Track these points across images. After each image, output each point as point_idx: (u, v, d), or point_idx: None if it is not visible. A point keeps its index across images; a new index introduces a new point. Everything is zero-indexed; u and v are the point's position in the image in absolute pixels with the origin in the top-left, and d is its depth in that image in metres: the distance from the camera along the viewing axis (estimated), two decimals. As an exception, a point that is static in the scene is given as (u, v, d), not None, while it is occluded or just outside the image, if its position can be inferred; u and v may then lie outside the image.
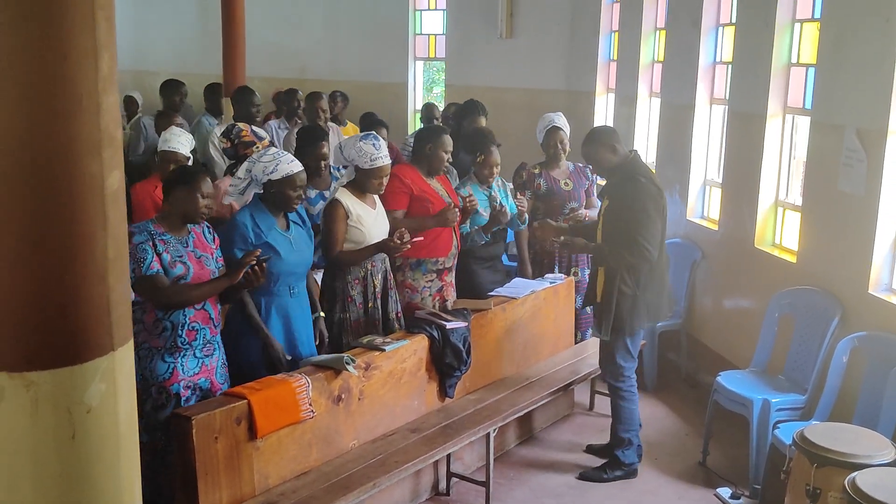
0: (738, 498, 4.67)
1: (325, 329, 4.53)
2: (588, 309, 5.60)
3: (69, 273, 1.39)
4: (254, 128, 5.41)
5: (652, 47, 7.72)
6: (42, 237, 1.37)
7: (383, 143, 4.70)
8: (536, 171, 5.91)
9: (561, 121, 5.97)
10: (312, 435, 4.02)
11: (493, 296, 5.33)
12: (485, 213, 5.46)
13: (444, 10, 10.82)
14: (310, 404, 3.95)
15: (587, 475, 4.96)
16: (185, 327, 3.77)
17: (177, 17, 11.90)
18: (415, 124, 10.78)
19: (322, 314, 4.53)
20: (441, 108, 8.08)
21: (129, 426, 1.51)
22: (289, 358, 4.21)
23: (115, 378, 1.46)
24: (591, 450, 5.26)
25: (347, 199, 4.56)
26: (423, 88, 11.71)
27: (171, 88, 7.96)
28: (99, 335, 1.44)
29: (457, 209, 4.92)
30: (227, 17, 8.64)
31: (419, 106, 11.23)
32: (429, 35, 11.17)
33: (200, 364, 3.87)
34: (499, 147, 5.66)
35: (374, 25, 11.13)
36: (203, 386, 3.90)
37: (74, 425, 1.42)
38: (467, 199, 5.03)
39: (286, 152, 4.30)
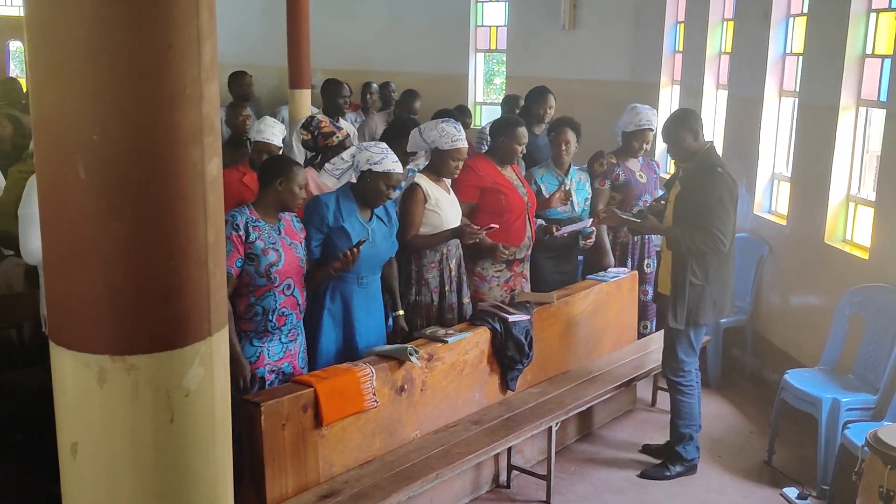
0: (805, 498, 4.58)
1: (405, 325, 4.55)
2: (652, 302, 5.53)
3: (172, 259, 1.42)
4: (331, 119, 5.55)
5: (719, 39, 7.58)
6: (147, 224, 1.41)
7: (461, 127, 4.77)
8: (613, 160, 5.83)
9: (656, 121, 5.88)
10: (376, 424, 4.05)
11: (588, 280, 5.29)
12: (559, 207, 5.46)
13: (506, 1, 10.78)
14: (374, 394, 3.99)
15: (649, 473, 4.90)
16: (276, 313, 3.87)
17: (242, 9, 12.05)
18: (475, 118, 10.77)
19: (402, 312, 4.54)
20: (521, 100, 8.06)
21: (224, 410, 1.54)
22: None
23: (212, 362, 1.49)
24: (647, 450, 5.18)
25: (426, 184, 4.62)
26: (483, 80, 11.68)
27: (238, 80, 8.12)
28: (198, 320, 1.47)
29: (478, 229, 4.67)
30: (293, 9, 8.72)
31: (479, 98, 11.20)
32: (490, 27, 11.13)
33: (284, 349, 3.97)
34: (576, 129, 5.64)
35: (436, 17, 11.13)
36: (286, 370, 3.99)
37: (173, 409, 1.45)
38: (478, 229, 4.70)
39: (391, 152, 4.34)
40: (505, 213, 5.07)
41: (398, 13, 11.47)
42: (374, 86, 8.87)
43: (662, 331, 5.04)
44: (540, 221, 5.40)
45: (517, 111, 7.70)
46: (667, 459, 4.91)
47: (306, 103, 7.87)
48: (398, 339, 4.49)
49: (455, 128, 4.67)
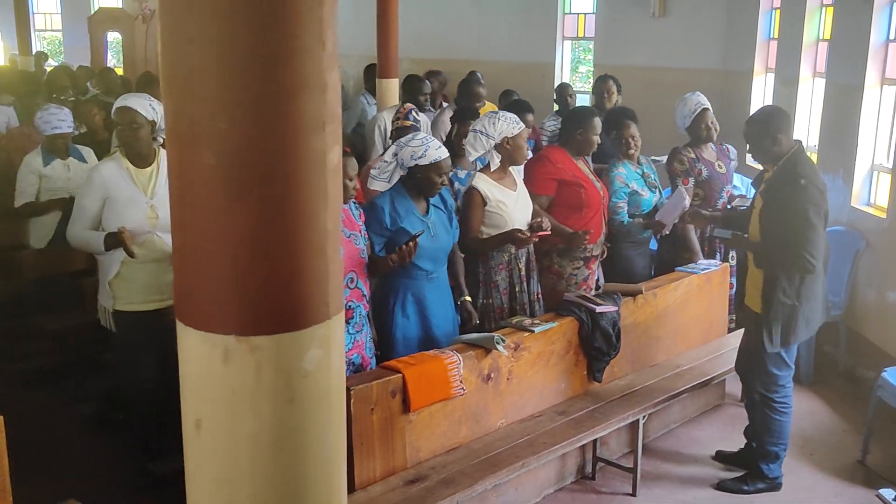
0: (904, 501, 4.43)
1: (473, 311, 4.54)
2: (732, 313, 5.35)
3: (294, 245, 1.46)
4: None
5: (817, 24, 7.34)
6: (271, 210, 1.44)
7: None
8: (692, 154, 5.69)
9: (706, 100, 5.73)
10: (462, 412, 4.08)
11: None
12: (644, 193, 5.39)
13: (595, -11, 10.66)
14: (461, 381, 4.01)
15: (726, 486, 4.67)
16: (344, 307, 3.89)
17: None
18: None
19: (468, 298, 4.54)
20: (572, 88, 8.01)
21: (339, 392, 1.57)
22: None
23: (330, 345, 1.53)
24: (720, 456, 4.96)
25: (485, 185, 4.57)
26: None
27: None
28: (317, 304, 1.50)
29: (529, 235, 4.55)
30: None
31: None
32: (578, 14, 11.02)
33: (353, 340, 4.00)
34: (636, 119, 5.54)
35: (523, 5, 11.08)
36: (355, 361, 4.03)
37: (292, 389, 1.49)
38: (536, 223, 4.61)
39: (433, 138, 4.34)
40: (584, 207, 5.01)
41: (485, 1, 11.45)
42: (442, 75, 8.87)
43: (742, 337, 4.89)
44: (637, 219, 5.34)
45: (569, 98, 7.64)
46: (748, 475, 4.68)
47: (394, 92, 7.92)
48: (468, 325, 4.50)
49: (511, 115, 4.67)
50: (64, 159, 5.71)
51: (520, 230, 4.48)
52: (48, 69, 11.38)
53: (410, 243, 3.92)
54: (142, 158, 4.27)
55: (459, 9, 11.55)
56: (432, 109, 7.49)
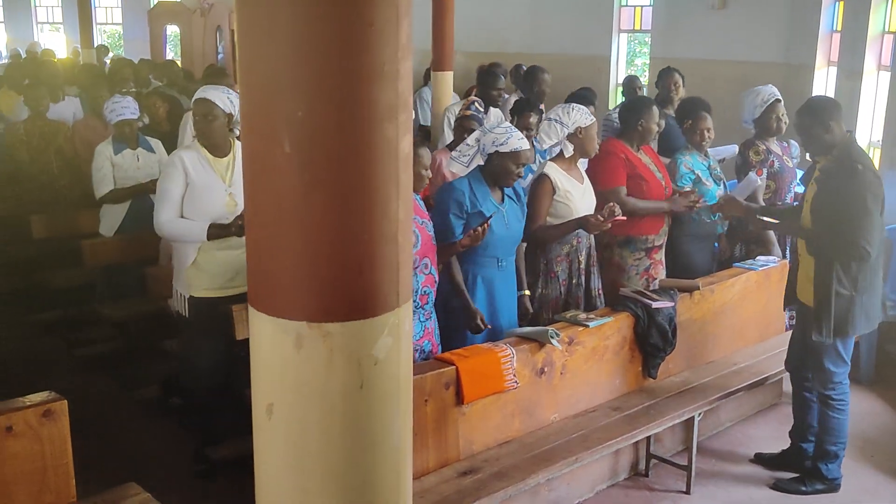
0: (969, 506, 4.31)
1: (530, 306, 4.55)
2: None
3: (367, 233, 1.47)
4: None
5: (883, 16, 7.16)
6: (345, 198, 1.46)
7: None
8: (764, 147, 5.61)
9: (778, 92, 5.64)
10: (515, 405, 4.08)
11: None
12: (708, 183, 5.32)
13: (653, -19, 10.53)
14: (514, 375, 4.00)
15: (783, 486, 4.58)
16: (419, 292, 3.93)
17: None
18: (615, 100, 10.59)
19: (527, 292, 4.55)
20: (639, 81, 7.93)
21: (407, 380, 1.59)
22: (489, 327, 4.23)
23: (399, 333, 1.54)
24: (759, 459, 4.85)
25: (556, 174, 4.57)
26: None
27: None
28: (389, 292, 1.52)
29: (604, 220, 4.49)
30: (438, -8, 8.78)
31: (622, 79, 11.00)
32: (634, 7, 10.89)
33: (423, 327, 4.03)
34: (711, 112, 5.47)
35: (578, -2, 10.99)
36: (426, 349, 4.05)
37: (363, 376, 1.51)
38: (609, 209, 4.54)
39: (516, 129, 4.35)
40: (646, 198, 4.98)
41: (540, -6, 11.39)
42: (501, 67, 8.86)
43: (791, 332, 4.79)
44: (704, 201, 5.27)
45: (637, 90, 7.58)
46: (806, 475, 4.59)
47: (448, 85, 7.93)
48: (524, 320, 4.50)
49: (583, 106, 4.70)
50: (133, 149, 5.83)
51: (594, 215, 4.48)
52: (108, 62, 11.62)
53: (483, 226, 3.94)
54: (218, 148, 4.32)
55: (513, 2, 11.50)
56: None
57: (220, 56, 14.33)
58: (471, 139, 4.31)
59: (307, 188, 1.43)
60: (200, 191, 4.24)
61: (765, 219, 4.72)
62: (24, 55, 12.75)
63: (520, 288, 4.54)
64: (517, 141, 4.18)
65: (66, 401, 3.30)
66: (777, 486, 4.61)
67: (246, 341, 4.25)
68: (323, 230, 1.45)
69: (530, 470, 3.85)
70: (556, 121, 4.61)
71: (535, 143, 5.41)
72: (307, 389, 1.50)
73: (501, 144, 4.16)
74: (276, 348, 1.53)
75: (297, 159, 1.42)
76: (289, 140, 1.41)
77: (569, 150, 4.63)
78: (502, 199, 4.31)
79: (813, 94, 8.17)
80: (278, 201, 1.45)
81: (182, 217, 4.27)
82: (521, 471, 3.84)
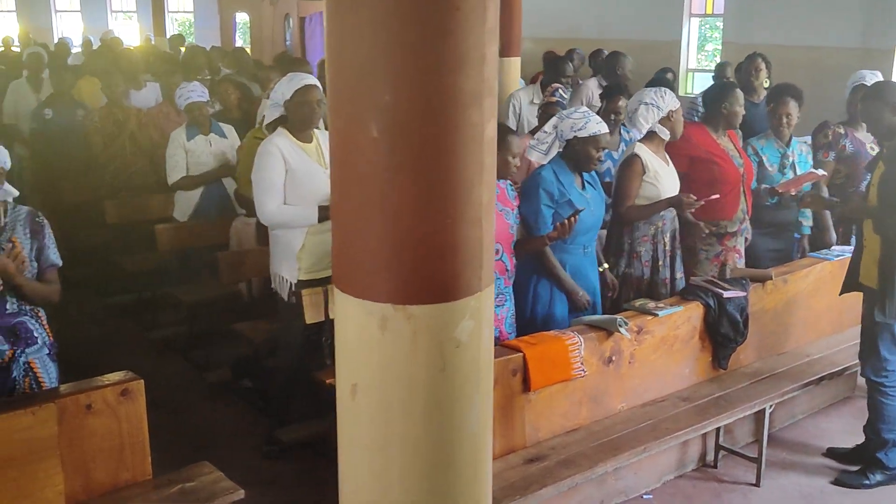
0: None
1: (614, 279, 4.57)
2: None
3: (450, 216, 1.49)
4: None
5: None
6: (430, 182, 1.47)
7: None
8: (841, 130, 5.48)
9: (869, 77, 5.50)
10: (583, 393, 4.06)
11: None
12: (771, 168, 5.23)
13: (726, -35, 10.30)
14: (581, 363, 3.99)
15: (844, 480, 4.49)
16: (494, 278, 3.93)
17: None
18: (685, 85, 10.41)
19: (606, 266, 4.56)
20: (732, 68, 7.78)
21: (488, 363, 1.60)
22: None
23: (481, 317, 1.56)
24: (831, 453, 4.77)
25: (646, 155, 4.56)
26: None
27: None
28: (471, 276, 1.53)
29: (696, 199, 4.49)
30: (505, -22, 8.75)
31: (692, 65, 10.81)
32: (707, -9, 10.69)
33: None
34: (798, 98, 5.35)
35: (649, -17, 10.82)
36: (494, 335, 4.04)
37: (445, 358, 1.53)
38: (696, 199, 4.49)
39: (594, 113, 4.33)
40: (717, 183, 4.89)
41: (610, -21, 11.24)
42: (580, 53, 8.77)
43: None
44: (764, 186, 5.18)
45: (725, 79, 7.43)
46: (866, 466, 4.50)
47: (516, 71, 7.89)
48: (609, 294, 4.52)
49: (668, 90, 4.67)
50: (206, 134, 5.94)
51: (685, 194, 4.46)
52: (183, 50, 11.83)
53: (572, 218, 3.93)
54: (307, 134, 4.38)
55: (583, -14, 11.38)
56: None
57: (287, 44, 14.51)
58: (548, 126, 4.31)
59: (393, 173, 1.44)
60: (302, 176, 4.27)
61: (827, 197, 4.64)
62: (94, 44, 13.08)
63: (599, 263, 4.56)
64: (595, 125, 4.16)
65: (142, 380, 3.41)
66: (839, 480, 4.52)
67: (315, 325, 4.34)
68: (408, 214, 1.46)
69: (597, 458, 3.83)
70: (653, 105, 4.59)
71: (622, 128, 5.38)
72: (391, 371, 1.52)
73: (580, 129, 4.14)
74: (361, 330, 1.55)
75: (383, 144, 1.43)
76: (375, 125, 1.42)
77: (665, 133, 4.61)
78: (583, 186, 4.30)
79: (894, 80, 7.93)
80: (364, 186, 1.47)
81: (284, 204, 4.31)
82: (588, 459, 3.82)
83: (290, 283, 4.38)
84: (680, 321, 4.39)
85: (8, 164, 3.46)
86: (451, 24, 1.42)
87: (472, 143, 1.46)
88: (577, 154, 4.20)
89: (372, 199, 1.47)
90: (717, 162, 4.88)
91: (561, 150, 4.26)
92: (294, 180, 4.26)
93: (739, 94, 4.98)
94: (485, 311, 1.55)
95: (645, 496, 4.35)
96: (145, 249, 6.27)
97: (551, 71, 6.93)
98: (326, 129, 4.51)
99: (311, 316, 4.33)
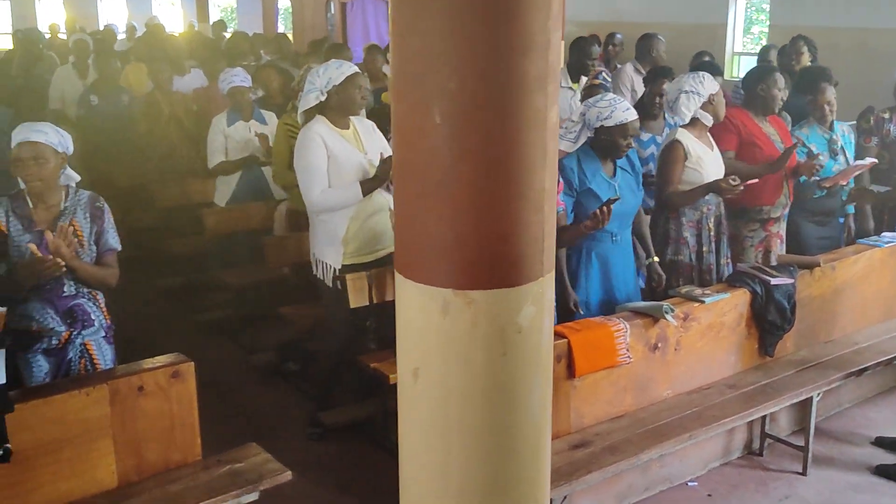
0: None
1: (661, 272, 4.51)
2: None
3: (513, 202, 1.49)
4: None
5: None
6: (493, 168, 1.48)
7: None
8: (886, 115, 5.38)
9: None
10: (628, 380, 4.05)
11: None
12: (824, 158, 5.13)
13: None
14: (627, 350, 3.97)
15: (886, 471, 4.42)
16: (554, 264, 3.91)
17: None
18: (731, 69, 10.27)
19: (656, 258, 4.51)
20: (775, 51, 7.64)
21: (548, 349, 1.60)
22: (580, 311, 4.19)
23: (542, 302, 1.56)
24: (880, 442, 4.69)
25: (688, 140, 4.50)
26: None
27: None
28: (532, 261, 1.53)
29: (736, 184, 4.40)
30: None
31: (737, 48, 10.64)
32: (753, -28, 10.51)
33: None
34: (835, 85, 5.25)
35: (692, -37, 10.65)
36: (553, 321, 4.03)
37: (506, 344, 1.53)
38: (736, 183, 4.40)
39: (622, 99, 4.28)
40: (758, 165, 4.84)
41: (651, -40, 11.10)
42: (619, 37, 8.67)
43: None
44: (813, 179, 5.10)
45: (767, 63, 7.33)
46: None
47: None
48: (656, 286, 4.46)
49: (707, 74, 4.63)
50: (247, 120, 6.00)
51: (724, 179, 4.40)
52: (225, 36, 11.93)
53: (604, 208, 3.88)
54: (345, 122, 4.40)
55: (624, -31, 11.24)
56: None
57: (330, 29, 14.54)
58: (575, 115, 4.25)
59: (456, 159, 1.44)
60: (344, 161, 4.29)
61: (873, 187, 4.56)
62: (138, 30, 13.21)
63: (648, 255, 4.51)
64: (622, 113, 4.09)
65: (192, 363, 3.46)
66: (880, 469, 4.45)
67: (359, 309, 4.37)
68: (470, 200, 1.46)
69: (643, 445, 3.82)
70: (692, 92, 4.53)
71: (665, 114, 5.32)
72: (452, 356, 1.53)
73: (606, 118, 4.08)
74: (422, 314, 1.56)
75: (446, 130, 1.44)
76: (439, 111, 1.43)
77: (708, 119, 4.55)
78: (614, 172, 4.24)
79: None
80: (426, 172, 1.47)
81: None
82: (633, 445, 3.82)
83: (335, 269, 4.40)
84: (726, 308, 4.35)
85: (70, 150, 3.53)
86: (517, 9, 1.41)
87: (535, 128, 1.45)
88: (604, 143, 4.14)
89: (434, 185, 1.47)
90: (758, 146, 4.83)
91: (591, 136, 4.20)
92: (336, 165, 4.29)
93: (779, 77, 4.90)
94: (546, 296, 1.55)
95: (690, 483, 4.34)
96: (192, 233, 6.35)
97: (577, 53, 6.85)
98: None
99: (356, 300, 4.36)
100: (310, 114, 4.37)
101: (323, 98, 4.28)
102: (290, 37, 13.52)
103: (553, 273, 1.61)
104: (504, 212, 1.48)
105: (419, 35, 1.45)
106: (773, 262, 4.81)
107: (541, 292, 1.54)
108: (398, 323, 1.63)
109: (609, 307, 4.24)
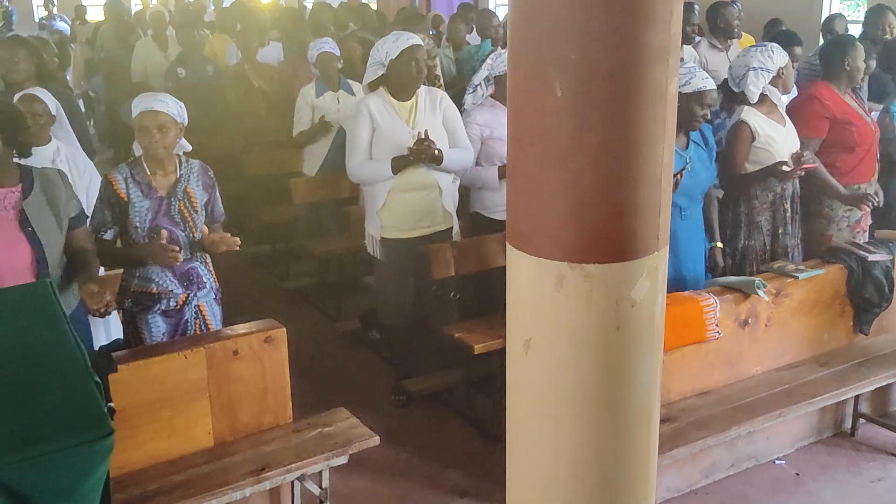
0: None
1: (720, 260, 4.41)
2: None
3: (632, 175, 1.48)
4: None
5: None
6: (613, 141, 1.47)
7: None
8: None
9: None
10: (716, 356, 3.99)
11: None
12: None
13: None
14: (716, 325, 3.91)
15: None
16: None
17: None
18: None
19: (719, 244, 4.40)
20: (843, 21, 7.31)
21: (660, 324, 1.60)
22: None
23: (657, 277, 1.55)
24: None
25: (755, 120, 4.36)
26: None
27: None
28: (648, 235, 1.53)
29: (794, 168, 4.31)
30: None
31: (834, 11, 10.21)
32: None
33: None
34: None
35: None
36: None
37: (620, 318, 1.53)
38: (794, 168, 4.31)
39: (700, 69, 4.17)
40: (856, 146, 4.68)
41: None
42: (696, 8, 8.38)
43: None
44: None
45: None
46: None
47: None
48: (714, 273, 4.36)
49: (776, 46, 4.49)
50: (335, 90, 6.06)
51: (784, 162, 4.28)
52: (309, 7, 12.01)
53: (675, 178, 3.80)
54: (408, 93, 4.43)
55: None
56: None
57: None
58: None
59: (575, 131, 1.44)
60: (387, 134, 4.37)
61: None
62: (223, 1, 13.38)
63: (711, 239, 4.40)
64: (701, 81, 3.97)
65: (284, 328, 3.55)
66: None
67: (442, 280, 4.40)
68: (588, 173, 1.46)
69: (731, 421, 3.78)
70: (761, 69, 4.38)
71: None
72: (565, 328, 1.53)
73: (684, 85, 3.95)
74: (535, 287, 1.56)
75: (567, 102, 1.43)
76: (560, 83, 1.42)
77: (776, 95, 4.41)
78: (687, 145, 4.14)
79: None
80: (544, 144, 1.47)
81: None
82: (720, 421, 3.77)
83: (374, 239, 4.52)
84: (821, 284, 4.24)
85: (186, 121, 3.64)
86: (640, -22, 1.39)
87: (656, 100, 1.43)
88: (679, 111, 4.02)
89: (552, 157, 1.47)
90: (853, 122, 4.66)
91: None
92: (379, 138, 4.40)
93: (860, 47, 4.71)
94: (660, 271, 1.54)
95: (777, 461, 4.27)
96: (279, 202, 6.47)
97: None
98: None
99: (439, 272, 4.39)
100: (373, 86, 4.46)
101: (383, 72, 4.35)
102: (374, 6, 13.55)
103: (667, 247, 1.59)
104: (623, 185, 1.47)
105: (539, 7, 1.44)
106: (864, 240, 4.66)
107: (655, 266, 1.52)
108: (508, 294, 1.63)
109: (677, 285, 4.12)
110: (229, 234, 3.58)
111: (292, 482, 3.50)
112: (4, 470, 1.63)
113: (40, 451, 1.67)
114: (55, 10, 14.21)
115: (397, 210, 4.47)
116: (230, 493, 3.19)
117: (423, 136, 4.27)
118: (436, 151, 4.30)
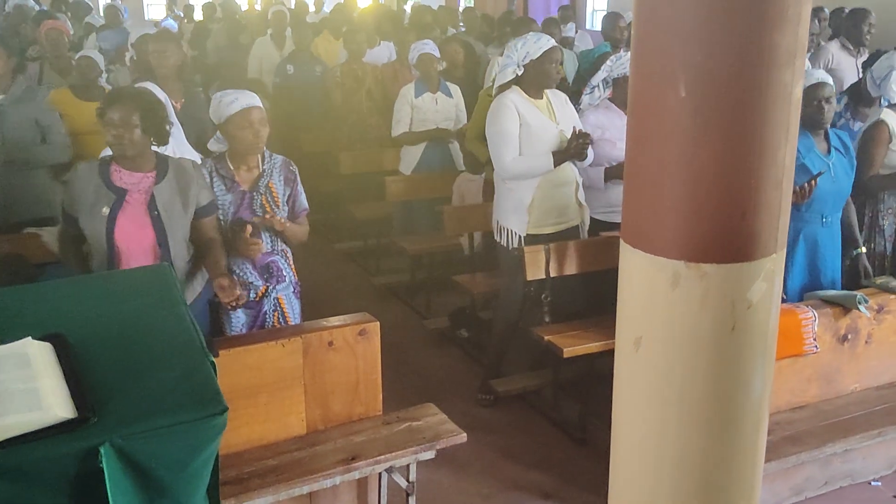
0: None
1: (868, 265, 4.34)
2: None
3: (754, 178, 1.48)
4: None
5: None
6: (735, 143, 1.47)
7: None
8: None
9: None
10: (813, 370, 3.91)
11: None
12: None
13: None
14: (814, 339, 3.83)
15: None
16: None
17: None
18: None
19: (863, 249, 4.32)
20: None
21: (775, 327, 1.59)
22: None
23: (773, 279, 1.55)
24: None
25: (894, 121, 4.25)
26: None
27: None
28: (768, 237, 1.53)
29: None
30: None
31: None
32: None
33: None
34: None
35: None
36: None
37: (735, 318, 1.53)
38: None
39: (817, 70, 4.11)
40: None
41: None
42: (826, 11, 8.14)
43: None
44: None
45: None
46: None
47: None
48: (862, 278, 4.28)
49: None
50: (434, 92, 6.13)
51: None
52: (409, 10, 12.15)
53: (812, 182, 3.77)
54: (540, 93, 4.46)
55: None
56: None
57: (511, 4, 14.53)
58: None
59: (699, 132, 1.44)
60: (536, 130, 4.36)
61: None
62: (326, 3, 13.61)
63: (855, 246, 4.34)
64: (817, 73, 3.98)
65: (378, 322, 3.61)
66: None
67: (535, 282, 4.39)
68: (710, 173, 1.46)
69: (826, 438, 3.69)
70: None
71: None
72: (678, 327, 1.54)
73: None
74: (649, 285, 1.58)
75: (691, 103, 1.44)
76: (685, 84, 1.43)
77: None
78: (828, 151, 4.07)
79: None
80: (666, 143, 1.48)
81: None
82: (815, 437, 3.69)
83: (519, 236, 4.46)
84: (927, 303, 4.10)
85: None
86: (770, -20, 1.39)
87: (781, 103, 1.43)
88: (804, 112, 3.95)
89: (674, 157, 1.48)
90: None
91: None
92: (528, 134, 4.35)
93: None
94: (777, 273, 1.53)
95: (873, 483, 4.13)
96: (373, 199, 6.58)
97: None
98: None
99: (533, 273, 4.40)
100: (505, 87, 4.44)
101: (520, 72, 4.35)
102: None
103: (784, 250, 1.58)
104: (744, 186, 1.47)
105: (667, 8, 1.45)
106: None
107: (773, 269, 1.52)
108: (620, 291, 1.65)
109: (814, 293, 4.09)
110: (298, 226, 3.74)
111: (380, 473, 3.56)
112: (126, 440, 1.73)
113: (160, 423, 1.76)
114: (175, 9, 14.71)
115: (541, 206, 4.46)
116: (321, 481, 3.26)
117: (578, 133, 4.30)
118: (589, 147, 4.35)
